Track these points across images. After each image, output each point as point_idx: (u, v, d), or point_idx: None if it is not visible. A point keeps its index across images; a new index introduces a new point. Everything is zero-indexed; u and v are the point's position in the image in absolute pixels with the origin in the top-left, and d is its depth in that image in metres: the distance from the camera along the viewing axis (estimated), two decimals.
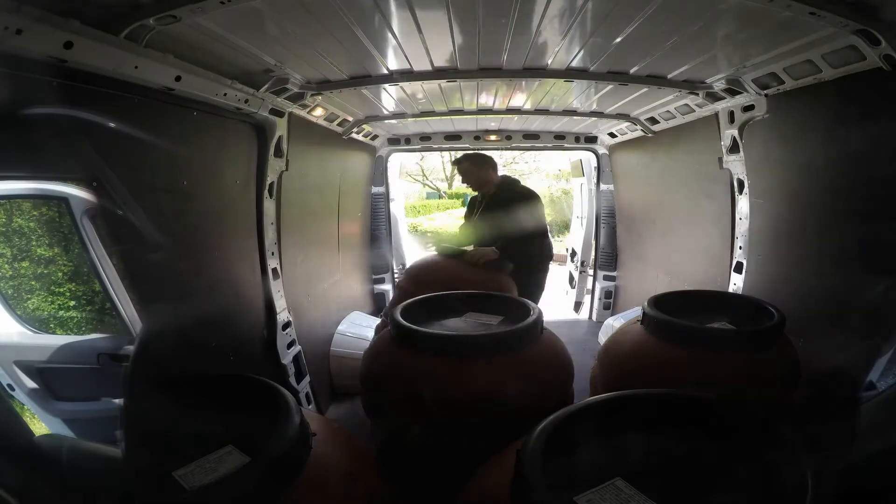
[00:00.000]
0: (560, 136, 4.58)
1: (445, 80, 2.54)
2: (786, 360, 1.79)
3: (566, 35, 1.98)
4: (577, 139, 4.66)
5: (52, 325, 1.67)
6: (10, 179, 1.54)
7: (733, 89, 2.46)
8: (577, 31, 1.93)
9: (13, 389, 1.53)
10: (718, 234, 2.97)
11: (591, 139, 4.68)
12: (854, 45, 1.70)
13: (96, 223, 1.64)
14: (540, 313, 1.90)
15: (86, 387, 1.62)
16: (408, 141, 4.63)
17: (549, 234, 3.36)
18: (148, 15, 1.46)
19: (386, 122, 3.81)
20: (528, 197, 3.15)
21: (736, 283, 2.78)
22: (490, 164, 3.24)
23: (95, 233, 1.64)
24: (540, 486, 1.00)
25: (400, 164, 5.85)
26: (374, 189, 4.79)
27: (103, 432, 1.53)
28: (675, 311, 1.93)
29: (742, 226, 2.74)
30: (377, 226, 4.86)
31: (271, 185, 2.63)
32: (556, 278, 7.39)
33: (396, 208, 5.29)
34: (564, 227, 10.97)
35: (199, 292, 2.13)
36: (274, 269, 2.70)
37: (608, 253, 4.93)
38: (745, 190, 2.69)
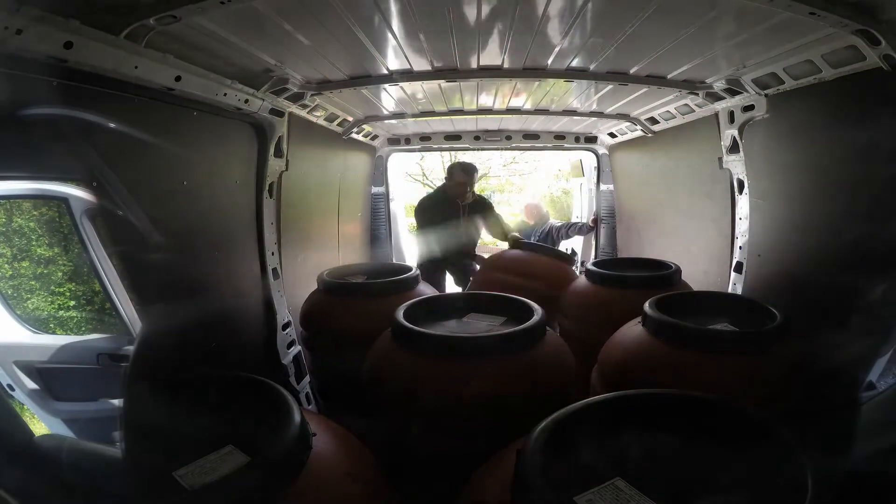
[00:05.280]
0: (560, 136, 4.57)
1: (445, 80, 2.53)
2: (788, 362, 1.78)
3: (566, 35, 1.97)
4: (577, 139, 4.65)
5: (52, 325, 1.68)
6: (10, 179, 1.54)
7: (733, 89, 2.46)
8: (577, 31, 1.93)
9: (13, 389, 1.53)
10: (718, 234, 2.96)
11: (591, 139, 4.67)
12: (854, 45, 1.69)
13: (96, 223, 1.64)
14: (542, 314, 1.89)
15: (86, 387, 1.63)
16: (408, 141, 4.62)
17: None
18: (148, 15, 1.46)
19: (386, 122, 3.80)
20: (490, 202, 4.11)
21: (736, 283, 2.78)
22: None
23: (95, 233, 1.64)
24: (540, 486, 1.00)
25: (400, 164, 5.85)
26: (374, 189, 4.79)
27: (103, 432, 1.53)
28: (675, 311, 1.92)
29: (742, 226, 2.73)
30: (377, 226, 4.85)
31: (271, 185, 2.62)
32: None
33: (397, 208, 5.28)
34: None
35: (198, 292, 2.13)
36: (274, 269, 2.69)
37: (608, 253, 4.92)
38: (745, 190, 2.68)
